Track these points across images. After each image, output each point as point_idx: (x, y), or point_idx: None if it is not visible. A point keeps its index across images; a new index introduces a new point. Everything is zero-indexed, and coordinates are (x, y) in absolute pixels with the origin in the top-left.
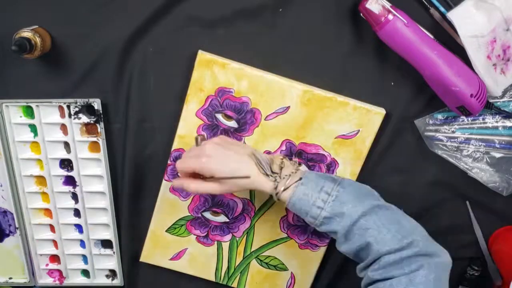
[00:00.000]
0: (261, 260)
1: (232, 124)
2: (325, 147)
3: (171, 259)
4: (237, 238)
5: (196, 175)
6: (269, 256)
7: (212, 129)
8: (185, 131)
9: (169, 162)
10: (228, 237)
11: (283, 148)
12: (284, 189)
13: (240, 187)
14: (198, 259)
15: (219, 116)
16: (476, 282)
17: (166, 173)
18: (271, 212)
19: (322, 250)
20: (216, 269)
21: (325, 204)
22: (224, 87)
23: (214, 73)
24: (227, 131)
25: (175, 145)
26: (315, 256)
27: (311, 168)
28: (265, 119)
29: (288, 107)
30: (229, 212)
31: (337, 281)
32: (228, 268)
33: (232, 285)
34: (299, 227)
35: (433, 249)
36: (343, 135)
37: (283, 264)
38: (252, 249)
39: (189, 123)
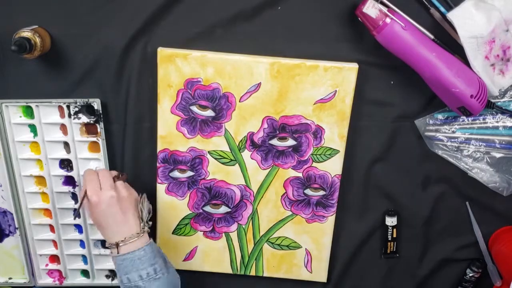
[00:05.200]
0: (272, 243)
1: (209, 113)
2: (306, 115)
3: (184, 260)
4: (243, 226)
5: None
6: (280, 237)
7: (191, 122)
8: (165, 131)
9: (157, 164)
10: (234, 226)
11: (265, 126)
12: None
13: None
14: (211, 254)
15: (194, 108)
16: (475, 283)
17: (158, 176)
18: (270, 192)
19: (331, 220)
20: (231, 260)
21: (147, 277)
22: (191, 78)
23: (178, 66)
24: (205, 121)
25: (159, 147)
26: (325, 228)
27: (298, 140)
28: (239, 101)
29: (259, 84)
30: (228, 201)
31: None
32: (242, 257)
33: (250, 274)
34: (302, 202)
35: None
36: (321, 99)
37: (295, 242)
38: (261, 234)
39: (167, 121)
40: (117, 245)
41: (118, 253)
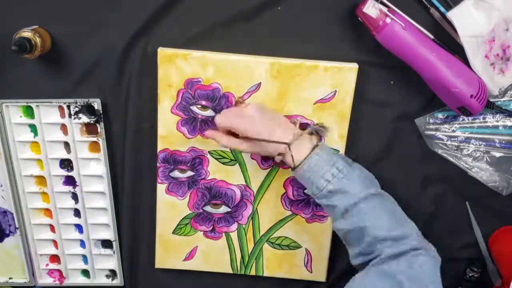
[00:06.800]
0: (272, 243)
1: (209, 113)
2: (306, 115)
3: (185, 259)
4: (243, 226)
5: (230, 133)
6: (280, 236)
7: (191, 122)
8: (166, 131)
9: (158, 164)
10: (234, 226)
11: None
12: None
13: (270, 151)
14: (211, 254)
15: (195, 108)
16: (475, 283)
17: (158, 176)
18: (270, 192)
19: (330, 220)
20: (231, 260)
21: (333, 178)
22: (191, 78)
23: (178, 66)
24: (206, 121)
25: (160, 147)
26: (325, 228)
27: None
28: None
29: (259, 84)
30: (228, 201)
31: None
32: (242, 257)
33: (250, 274)
34: (301, 202)
35: (427, 245)
36: (321, 99)
37: (295, 242)
38: (261, 234)
39: (167, 121)
40: (288, 145)
41: (293, 161)
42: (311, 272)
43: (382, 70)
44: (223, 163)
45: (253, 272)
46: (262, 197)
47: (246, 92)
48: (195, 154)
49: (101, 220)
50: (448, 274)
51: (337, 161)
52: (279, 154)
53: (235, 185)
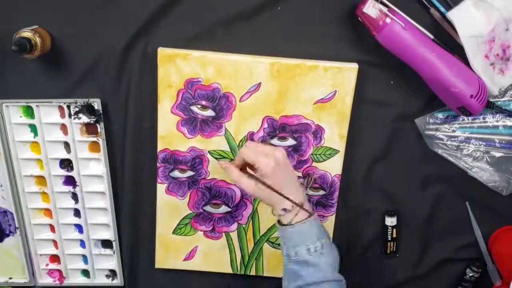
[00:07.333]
0: (272, 242)
1: (209, 113)
2: (306, 115)
3: (185, 259)
4: (243, 225)
5: (244, 168)
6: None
7: (191, 122)
8: (165, 131)
9: (158, 164)
10: (234, 226)
11: (265, 125)
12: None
13: (274, 203)
14: (211, 254)
15: (194, 108)
16: (475, 283)
17: (158, 176)
18: None
19: (331, 220)
20: (231, 260)
21: (315, 252)
22: (191, 78)
23: (178, 66)
24: (205, 121)
25: (160, 147)
26: (325, 228)
27: (298, 139)
28: (240, 101)
29: (260, 84)
30: (229, 201)
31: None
32: (242, 257)
33: (250, 274)
34: None
35: None
36: (321, 99)
37: None
38: (261, 233)
39: (167, 121)
40: (301, 205)
41: (291, 222)
42: None
43: (382, 70)
44: None
45: (253, 272)
46: None
47: (246, 92)
48: (195, 154)
49: (101, 220)
50: (448, 274)
51: (323, 237)
52: (283, 209)
53: (235, 184)
